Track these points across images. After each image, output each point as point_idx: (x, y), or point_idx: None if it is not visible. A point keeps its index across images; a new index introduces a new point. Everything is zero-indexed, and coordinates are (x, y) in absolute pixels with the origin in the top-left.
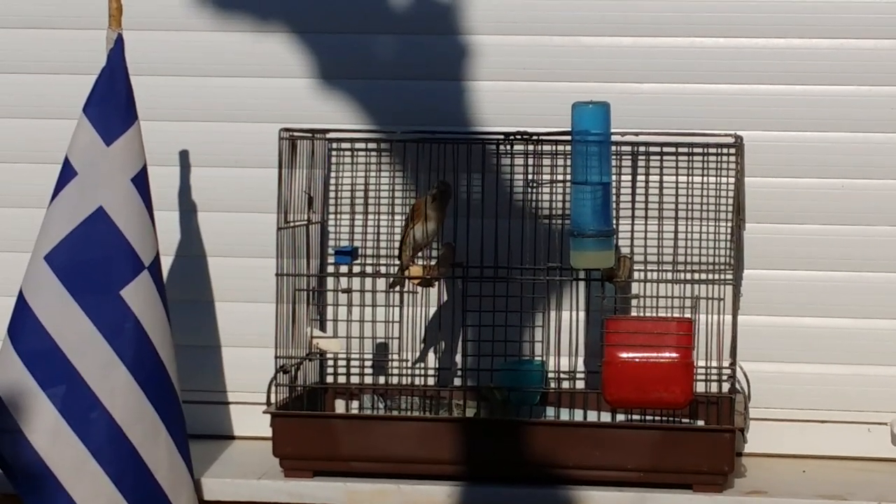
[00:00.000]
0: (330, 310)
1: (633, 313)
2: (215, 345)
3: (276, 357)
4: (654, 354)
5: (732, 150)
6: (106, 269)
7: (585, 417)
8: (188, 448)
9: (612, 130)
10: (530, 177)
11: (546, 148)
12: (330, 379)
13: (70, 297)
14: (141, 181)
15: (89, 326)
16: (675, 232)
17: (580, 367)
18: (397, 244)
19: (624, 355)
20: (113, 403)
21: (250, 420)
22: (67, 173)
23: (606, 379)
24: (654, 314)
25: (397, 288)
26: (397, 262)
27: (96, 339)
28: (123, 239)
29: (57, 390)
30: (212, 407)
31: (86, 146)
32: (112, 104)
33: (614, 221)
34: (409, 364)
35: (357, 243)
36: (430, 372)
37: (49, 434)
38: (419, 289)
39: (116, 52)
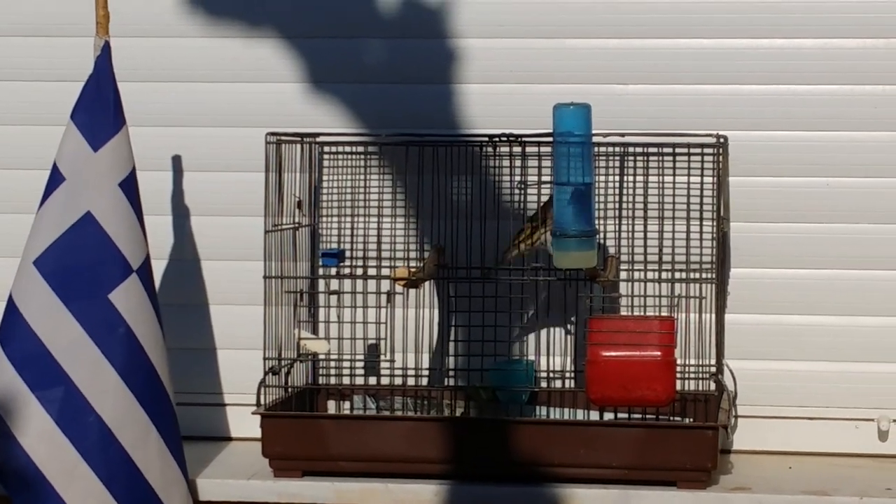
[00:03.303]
0: (320, 312)
1: (625, 313)
2: (210, 347)
3: (265, 359)
4: (637, 353)
5: (716, 150)
6: (94, 273)
7: (575, 416)
8: (182, 449)
9: (597, 131)
10: (516, 178)
11: (531, 149)
12: (322, 380)
13: (59, 301)
14: (129, 186)
15: (78, 330)
16: (660, 232)
17: (568, 366)
18: (385, 246)
19: (607, 354)
20: (103, 406)
21: (246, 421)
22: (55, 179)
23: (590, 378)
24: (643, 313)
25: (397, 288)
26: (386, 263)
27: (85, 343)
28: (111, 243)
29: (47, 394)
30: (208, 409)
31: (73, 152)
32: (99, 110)
33: (597, 222)
34: (398, 365)
35: (346, 246)
36: (423, 372)
37: (40, 437)
38: (405, 290)
39: (103, 59)
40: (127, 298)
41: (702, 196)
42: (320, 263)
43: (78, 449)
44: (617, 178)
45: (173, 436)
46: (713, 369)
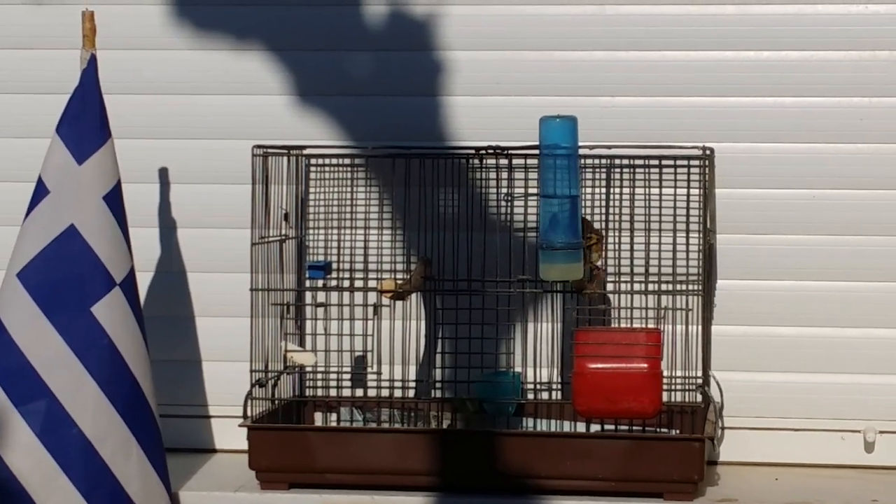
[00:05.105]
0: (307, 324)
1: (614, 324)
2: (196, 359)
3: (252, 371)
4: (624, 365)
5: (702, 162)
6: (77, 286)
7: (561, 428)
8: (165, 462)
9: (584, 144)
10: (503, 190)
11: (517, 161)
12: (309, 392)
13: (42, 314)
14: (113, 199)
15: (60, 343)
16: (647, 244)
17: (555, 378)
18: (372, 258)
19: (593, 366)
20: (83, 419)
21: (231, 433)
22: (40, 192)
23: (576, 389)
24: (630, 325)
25: (384, 300)
26: (373, 276)
27: (67, 356)
28: (94, 256)
29: (29, 407)
30: (193, 421)
31: (58, 165)
32: (84, 124)
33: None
34: (385, 377)
35: (333, 258)
36: (410, 384)
37: (21, 449)
38: (392, 302)
39: (89, 72)
40: (110, 312)
41: (688, 208)
42: (307, 276)
43: (58, 461)
44: (603, 190)
45: (156, 448)
46: (700, 381)
